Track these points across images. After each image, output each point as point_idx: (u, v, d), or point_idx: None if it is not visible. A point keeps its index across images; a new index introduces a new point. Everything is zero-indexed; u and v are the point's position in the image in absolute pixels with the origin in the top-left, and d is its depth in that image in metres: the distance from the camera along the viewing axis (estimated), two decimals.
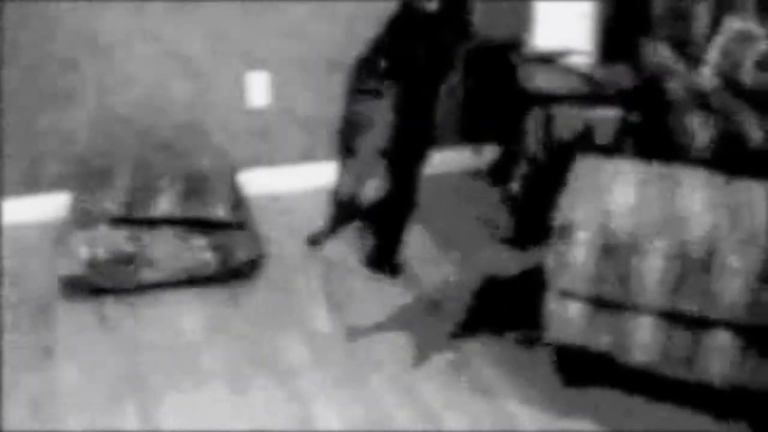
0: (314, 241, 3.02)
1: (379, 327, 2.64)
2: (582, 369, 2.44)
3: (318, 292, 2.83)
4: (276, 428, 2.27)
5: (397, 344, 2.58)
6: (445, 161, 3.54)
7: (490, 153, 3.60)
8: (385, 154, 2.71)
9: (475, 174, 3.58)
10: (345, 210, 2.80)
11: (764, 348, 2.15)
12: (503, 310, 2.67)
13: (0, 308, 2.66)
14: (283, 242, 3.09)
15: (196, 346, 2.56)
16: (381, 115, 2.68)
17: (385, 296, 2.80)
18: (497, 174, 3.48)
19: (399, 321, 2.67)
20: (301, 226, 3.15)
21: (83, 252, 2.70)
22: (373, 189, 2.61)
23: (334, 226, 2.95)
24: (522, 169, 3.14)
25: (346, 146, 2.81)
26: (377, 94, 2.71)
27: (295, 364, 2.50)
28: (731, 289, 2.11)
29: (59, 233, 2.86)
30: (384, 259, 2.89)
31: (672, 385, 2.31)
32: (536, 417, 2.33)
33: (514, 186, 3.16)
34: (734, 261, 2.10)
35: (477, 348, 2.57)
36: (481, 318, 2.64)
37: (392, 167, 2.72)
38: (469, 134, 3.61)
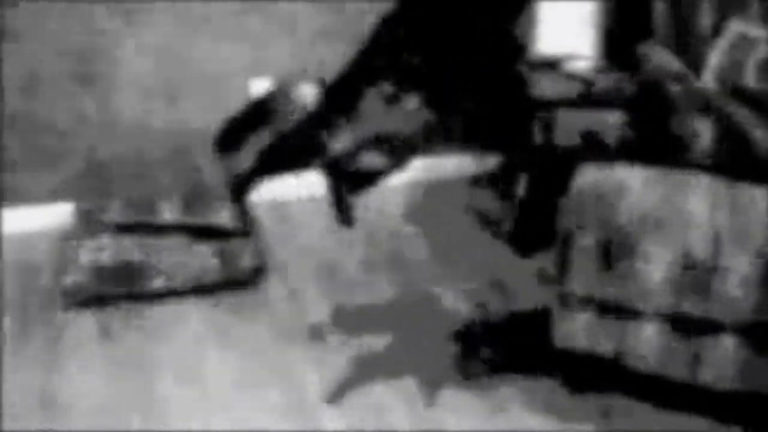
0: (237, 189, 2.35)
1: (383, 334, 2.65)
2: (586, 373, 2.43)
3: (322, 298, 2.83)
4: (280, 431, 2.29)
5: (401, 351, 2.58)
6: (448, 167, 3.54)
7: (492, 159, 3.60)
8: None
9: (478, 180, 3.58)
10: (338, 172, 2.41)
11: None
12: (530, 344, 2.54)
13: (1, 317, 2.67)
14: (287, 249, 3.09)
15: (201, 353, 2.56)
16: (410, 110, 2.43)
17: (390, 301, 2.80)
18: (500, 180, 3.47)
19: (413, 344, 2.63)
20: (305, 233, 3.15)
21: (87, 260, 2.70)
22: (374, 162, 2.43)
23: (264, 171, 2.32)
24: (525, 174, 3.13)
25: (348, 101, 2.42)
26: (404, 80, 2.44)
27: (299, 370, 2.50)
28: (735, 292, 2.10)
29: (62, 242, 2.87)
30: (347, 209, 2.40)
31: (676, 388, 2.30)
32: (539, 420, 2.32)
33: (517, 191, 3.16)
34: (737, 264, 2.10)
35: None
36: (509, 356, 2.58)
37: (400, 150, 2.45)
38: (472, 140, 3.60)
